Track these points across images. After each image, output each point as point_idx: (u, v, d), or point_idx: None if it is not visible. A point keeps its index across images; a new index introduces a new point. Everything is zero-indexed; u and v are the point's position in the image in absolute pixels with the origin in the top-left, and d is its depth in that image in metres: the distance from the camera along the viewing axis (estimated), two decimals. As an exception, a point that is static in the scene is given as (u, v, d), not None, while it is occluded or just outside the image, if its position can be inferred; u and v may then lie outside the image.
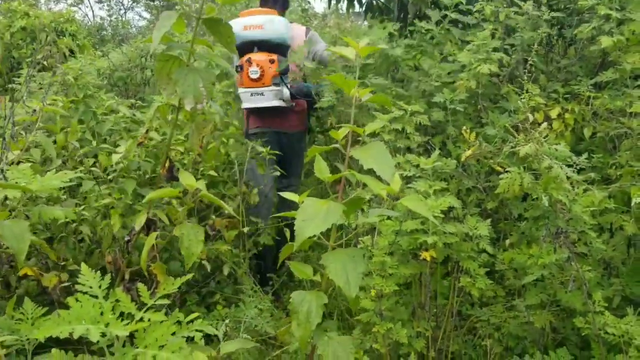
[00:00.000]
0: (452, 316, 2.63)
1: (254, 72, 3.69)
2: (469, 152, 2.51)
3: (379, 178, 1.33)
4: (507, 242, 2.61)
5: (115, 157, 2.80)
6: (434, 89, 3.93)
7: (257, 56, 3.71)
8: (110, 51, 5.17)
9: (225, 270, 3.36)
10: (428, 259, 2.25)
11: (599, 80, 3.50)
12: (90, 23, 14.10)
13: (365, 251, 1.53)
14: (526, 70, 4.23)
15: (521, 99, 3.65)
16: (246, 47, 3.73)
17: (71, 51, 6.07)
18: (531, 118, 2.69)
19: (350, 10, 7.13)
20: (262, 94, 3.72)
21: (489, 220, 2.45)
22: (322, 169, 1.50)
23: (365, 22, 7.35)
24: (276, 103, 3.73)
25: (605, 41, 3.45)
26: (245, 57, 3.72)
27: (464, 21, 4.21)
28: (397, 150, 2.82)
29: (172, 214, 2.51)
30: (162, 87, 2.05)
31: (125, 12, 18.48)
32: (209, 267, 3.15)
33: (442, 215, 2.27)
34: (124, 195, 2.83)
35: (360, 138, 3.20)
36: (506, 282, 2.69)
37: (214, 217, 3.39)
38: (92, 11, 22.79)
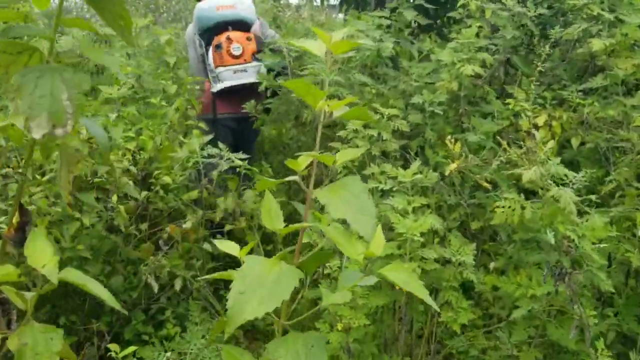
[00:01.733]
0: (429, 347, 2.34)
1: (236, 48, 3.72)
2: (453, 165, 2.21)
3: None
4: (492, 265, 2.33)
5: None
6: (414, 89, 3.63)
7: (235, 34, 3.77)
8: None
9: (177, 285, 3.01)
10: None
11: (588, 86, 3.24)
12: None
13: (326, 338, 1.13)
14: (507, 72, 3.99)
15: (505, 103, 3.39)
16: (220, 26, 3.80)
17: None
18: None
19: (325, 3, 6.80)
20: (245, 70, 3.76)
21: (473, 245, 2.15)
22: (272, 215, 1.09)
23: (340, 15, 7.02)
24: (255, 79, 3.72)
25: (597, 44, 3.20)
26: (224, 35, 3.74)
27: (449, 16, 3.93)
28: (372, 158, 2.50)
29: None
30: (8, 96, 1.18)
31: None
32: (155, 288, 2.80)
33: (420, 239, 1.97)
34: None
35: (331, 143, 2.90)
36: (489, 309, 2.41)
37: (168, 227, 3.04)
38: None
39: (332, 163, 1.00)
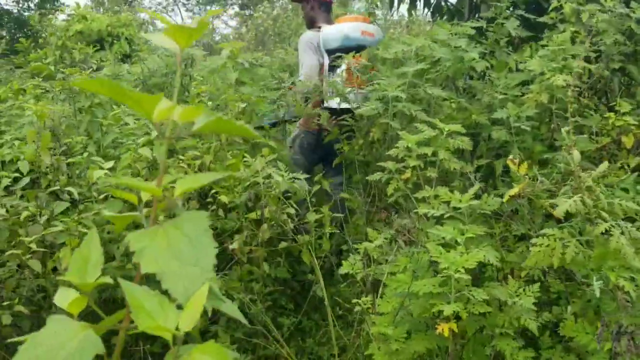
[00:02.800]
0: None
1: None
2: (514, 190, 1.88)
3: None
4: (569, 310, 1.95)
5: (97, 174, 2.42)
6: (499, 102, 3.28)
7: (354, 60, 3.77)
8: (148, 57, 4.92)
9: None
10: (446, 333, 1.65)
11: None
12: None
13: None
14: (616, 82, 3.49)
15: (604, 117, 2.94)
16: (350, 50, 3.82)
17: (126, 56, 5.91)
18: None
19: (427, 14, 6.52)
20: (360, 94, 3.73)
21: (537, 285, 1.80)
22: (87, 264, 0.79)
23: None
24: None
25: None
26: (352, 60, 3.75)
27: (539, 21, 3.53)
28: (428, 181, 2.22)
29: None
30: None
31: (212, 20, 18.75)
32: (209, 312, 2.69)
33: (466, 276, 1.66)
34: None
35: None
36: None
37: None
38: (182, 17, 23.52)
39: (180, 195, 0.76)
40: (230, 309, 0.77)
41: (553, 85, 2.95)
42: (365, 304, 1.90)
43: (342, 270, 2.19)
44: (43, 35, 5.61)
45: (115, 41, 6.01)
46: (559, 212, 1.52)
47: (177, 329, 0.73)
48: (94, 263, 0.76)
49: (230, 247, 2.68)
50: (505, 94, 3.27)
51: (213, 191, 2.91)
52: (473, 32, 3.59)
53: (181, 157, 3.03)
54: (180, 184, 0.72)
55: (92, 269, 0.76)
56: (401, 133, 2.29)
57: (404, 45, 3.19)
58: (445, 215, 1.93)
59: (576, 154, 1.73)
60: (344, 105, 3.66)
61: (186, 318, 0.73)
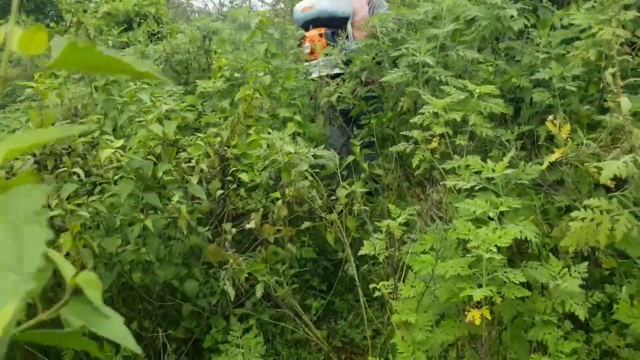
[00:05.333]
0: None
1: (307, 47, 3.94)
2: (555, 155, 1.64)
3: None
4: (624, 290, 1.71)
5: (105, 153, 2.30)
6: (541, 62, 2.99)
7: (310, 33, 3.97)
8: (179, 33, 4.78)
9: (258, 292, 2.75)
10: (477, 321, 1.45)
11: None
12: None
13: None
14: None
15: (662, 73, 2.62)
16: (305, 26, 4.06)
17: (154, 35, 5.80)
18: None
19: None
20: (315, 65, 3.87)
21: (584, 265, 1.56)
22: None
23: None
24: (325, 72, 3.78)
25: None
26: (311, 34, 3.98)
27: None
28: (460, 150, 1.99)
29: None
30: None
31: (249, -1, 18.46)
32: (232, 295, 2.57)
33: (499, 256, 1.45)
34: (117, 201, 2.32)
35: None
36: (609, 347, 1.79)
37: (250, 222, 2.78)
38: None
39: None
40: (114, 329, 0.52)
41: (602, 40, 2.64)
42: (386, 288, 1.71)
43: (363, 251, 2.00)
44: (72, 18, 5.55)
45: (142, 21, 5.92)
46: (605, 178, 1.28)
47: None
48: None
49: (247, 226, 2.53)
50: (548, 52, 2.97)
51: (234, 169, 2.76)
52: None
53: (200, 134, 2.89)
54: (6, 144, 0.50)
55: None
56: (426, 97, 2.06)
57: (433, 4, 2.92)
58: (477, 188, 1.71)
59: (625, 102, 1.48)
60: (323, 73, 3.77)
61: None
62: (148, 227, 2.39)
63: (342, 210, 2.96)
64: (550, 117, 1.75)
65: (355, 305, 3.26)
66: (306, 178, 3.04)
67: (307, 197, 2.99)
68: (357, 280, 2.71)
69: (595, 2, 2.80)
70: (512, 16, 3.11)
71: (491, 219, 1.60)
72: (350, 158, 3.22)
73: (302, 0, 4.15)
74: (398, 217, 1.86)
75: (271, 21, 3.68)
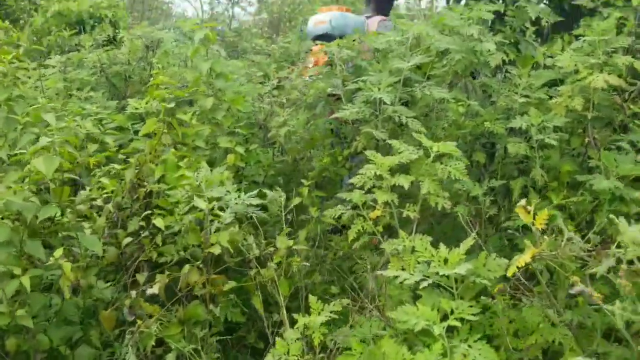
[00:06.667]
0: None
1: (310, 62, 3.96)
2: (526, 256, 1.22)
3: None
4: None
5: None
6: (519, 106, 2.61)
7: (316, 48, 3.93)
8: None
9: (170, 360, 2.29)
10: None
11: None
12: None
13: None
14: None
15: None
16: (319, 40, 3.92)
17: (110, 41, 5.33)
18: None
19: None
20: None
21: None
22: None
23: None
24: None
25: None
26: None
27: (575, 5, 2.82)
28: (404, 222, 1.56)
29: None
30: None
31: (232, 5, 17.98)
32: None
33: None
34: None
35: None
36: None
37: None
38: (202, 6, 23.08)
39: None
40: None
41: (590, 87, 2.27)
42: None
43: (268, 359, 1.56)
44: (22, 16, 5.08)
45: (95, 24, 5.44)
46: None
47: None
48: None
49: (149, 291, 2.07)
50: (528, 96, 2.59)
51: (147, 212, 2.30)
52: (491, 16, 2.90)
53: (117, 166, 2.43)
54: None
55: None
56: (369, 153, 1.64)
57: (398, 33, 2.51)
58: (422, 285, 1.28)
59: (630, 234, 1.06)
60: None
61: None
62: (24, 285, 1.92)
63: (280, 262, 2.53)
64: (522, 202, 1.33)
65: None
66: (241, 223, 2.61)
67: (241, 244, 2.55)
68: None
69: (584, 42, 2.42)
70: (489, 50, 2.72)
71: (437, 337, 1.17)
72: (297, 200, 2.80)
73: (318, 14, 4.08)
74: (320, 313, 1.44)
75: (220, 37, 3.23)
